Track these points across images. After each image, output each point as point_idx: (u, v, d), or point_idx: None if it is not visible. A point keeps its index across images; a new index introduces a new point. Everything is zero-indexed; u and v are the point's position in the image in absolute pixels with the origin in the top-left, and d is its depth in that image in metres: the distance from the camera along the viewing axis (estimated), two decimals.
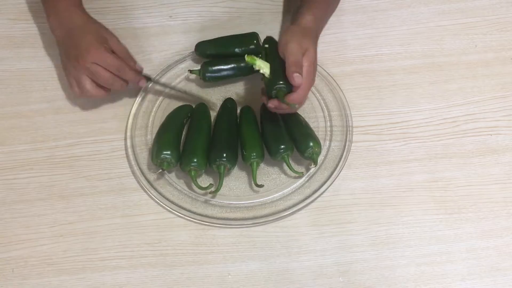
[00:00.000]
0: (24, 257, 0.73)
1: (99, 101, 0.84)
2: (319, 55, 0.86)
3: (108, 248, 0.73)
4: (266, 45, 0.78)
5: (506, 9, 0.91)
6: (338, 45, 0.89)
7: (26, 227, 0.75)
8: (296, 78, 0.68)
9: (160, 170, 0.74)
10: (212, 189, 0.73)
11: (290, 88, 0.70)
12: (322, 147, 0.77)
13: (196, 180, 0.73)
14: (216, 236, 0.74)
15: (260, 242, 0.73)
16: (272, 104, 0.71)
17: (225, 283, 0.71)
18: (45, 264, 0.72)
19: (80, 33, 0.76)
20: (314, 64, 0.72)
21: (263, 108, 0.81)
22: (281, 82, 0.70)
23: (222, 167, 0.73)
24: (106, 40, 0.76)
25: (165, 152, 0.73)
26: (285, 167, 0.77)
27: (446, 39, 0.89)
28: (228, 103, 0.82)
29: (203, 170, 0.76)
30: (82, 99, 0.84)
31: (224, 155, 0.73)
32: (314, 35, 0.76)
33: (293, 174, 0.76)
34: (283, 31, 0.76)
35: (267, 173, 0.78)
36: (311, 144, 0.74)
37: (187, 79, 0.86)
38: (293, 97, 0.70)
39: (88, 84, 0.75)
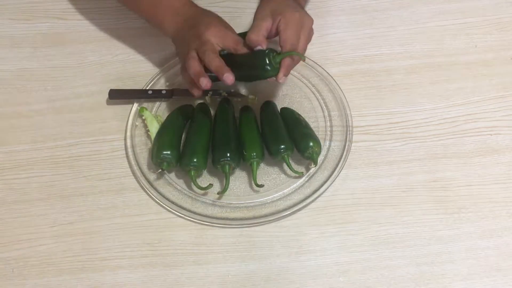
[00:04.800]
0: (24, 257, 0.73)
1: (99, 101, 0.84)
2: (319, 55, 0.87)
3: (108, 248, 0.73)
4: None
5: (506, 9, 0.91)
6: (338, 45, 0.89)
7: (26, 227, 0.75)
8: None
9: (160, 170, 0.74)
10: (219, 190, 0.73)
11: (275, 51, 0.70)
12: (322, 147, 0.77)
13: (195, 180, 0.73)
14: (216, 236, 0.74)
15: (260, 242, 0.73)
16: (284, 75, 0.70)
17: (225, 283, 0.71)
18: (45, 264, 0.72)
19: (201, 16, 0.75)
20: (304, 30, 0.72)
21: (263, 108, 0.81)
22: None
23: (227, 166, 0.73)
24: (226, 25, 0.75)
25: (165, 152, 0.73)
26: (285, 167, 0.77)
27: (446, 39, 0.89)
28: (225, 103, 0.82)
29: (203, 170, 0.76)
30: (82, 99, 0.84)
31: (228, 154, 0.73)
32: None
33: (293, 174, 0.76)
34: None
35: (267, 173, 0.78)
36: (311, 144, 0.74)
37: None
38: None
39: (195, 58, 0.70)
